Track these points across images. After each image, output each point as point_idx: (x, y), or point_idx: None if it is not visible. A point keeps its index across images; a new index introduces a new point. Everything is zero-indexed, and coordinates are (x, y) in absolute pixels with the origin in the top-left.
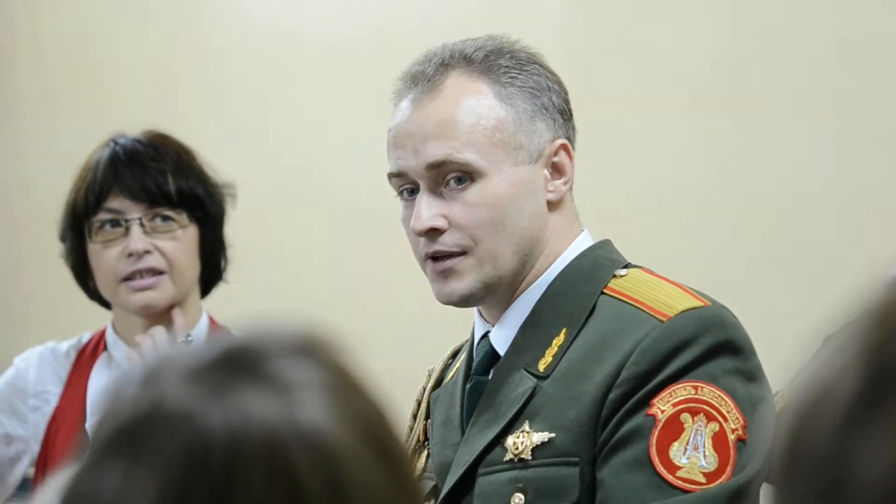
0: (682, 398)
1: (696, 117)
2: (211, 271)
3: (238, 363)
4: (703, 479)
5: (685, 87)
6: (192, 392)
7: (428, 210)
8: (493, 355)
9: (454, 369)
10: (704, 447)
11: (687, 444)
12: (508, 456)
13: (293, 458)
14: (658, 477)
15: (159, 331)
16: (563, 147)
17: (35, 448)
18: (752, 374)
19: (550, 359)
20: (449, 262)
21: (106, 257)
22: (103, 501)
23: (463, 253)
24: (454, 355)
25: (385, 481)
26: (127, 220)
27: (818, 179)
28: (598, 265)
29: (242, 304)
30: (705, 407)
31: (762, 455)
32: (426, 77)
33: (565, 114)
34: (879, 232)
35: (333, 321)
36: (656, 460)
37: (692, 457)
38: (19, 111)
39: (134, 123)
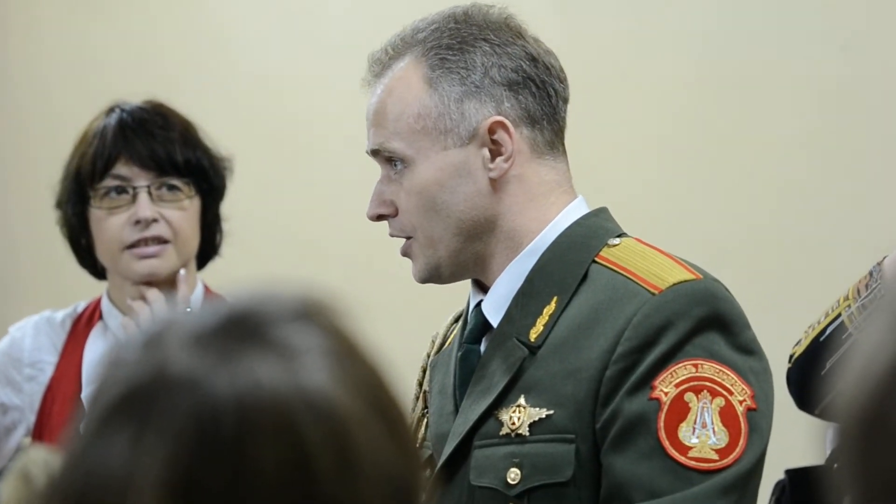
0: (683, 377)
1: (694, 90)
2: (208, 244)
3: (241, 328)
4: (715, 457)
5: (684, 59)
6: (197, 357)
7: (376, 198)
8: (484, 324)
9: (452, 336)
10: (713, 423)
11: (695, 423)
12: (505, 430)
13: (301, 424)
14: (671, 460)
15: (156, 295)
16: (499, 124)
17: (31, 418)
18: (747, 347)
19: (542, 328)
20: (403, 246)
21: (110, 224)
22: (110, 469)
23: (410, 237)
24: (456, 320)
25: (388, 445)
26: (135, 188)
27: (818, 151)
28: (592, 234)
29: (235, 276)
30: (708, 384)
31: (769, 425)
32: (375, 61)
33: (517, 85)
34: (880, 202)
35: (332, 288)
36: (666, 444)
37: (701, 435)
38: (13, 83)
39: (128, 94)
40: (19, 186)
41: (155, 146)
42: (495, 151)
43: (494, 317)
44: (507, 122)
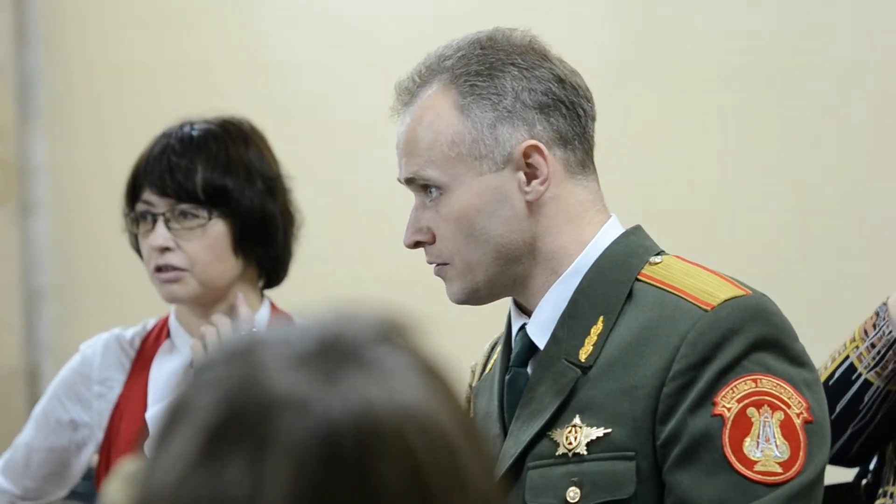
0: (744, 392)
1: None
2: (268, 263)
3: (337, 350)
4: (779, 469)
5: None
6: (302, 378)
7: (413, 225)
8: (530, 347)
9: (492, 361)
10: (775, 437)
11: (758, 437)
12: (561, 450)
13: (414, 443)
14: (737, 475)
15: (223, 320)
16: (533, 147)
17: (99, 435)
18: (799, 360)
19: (591, 348)
20: (437, 270)
21: (143, 247)
22: (226, 491)
23: (446, 263)
24: (493, 347)
25: (479, 461)
26: (154, 215)
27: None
28: (632, 252)
29: (301, 292)
30: (767, 398)
31: (829, 434)
32: (403, 90)
33: (548, 107)
34: None
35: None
36: (732, 458)
37: (765, 449)
38: (69, 110)
39: (182, 114)
40: (77, 209)
41: (169, 173)
42: (530, 174)
43: (540, 339)
44: (540, 144)
